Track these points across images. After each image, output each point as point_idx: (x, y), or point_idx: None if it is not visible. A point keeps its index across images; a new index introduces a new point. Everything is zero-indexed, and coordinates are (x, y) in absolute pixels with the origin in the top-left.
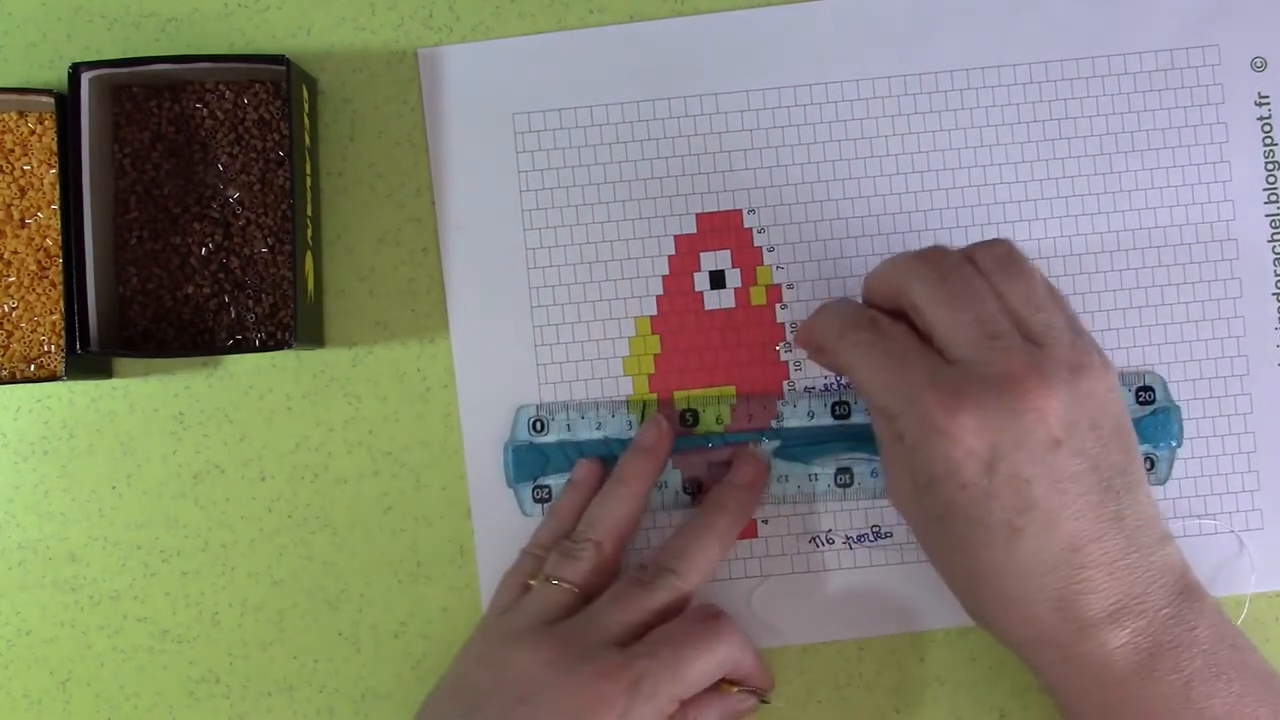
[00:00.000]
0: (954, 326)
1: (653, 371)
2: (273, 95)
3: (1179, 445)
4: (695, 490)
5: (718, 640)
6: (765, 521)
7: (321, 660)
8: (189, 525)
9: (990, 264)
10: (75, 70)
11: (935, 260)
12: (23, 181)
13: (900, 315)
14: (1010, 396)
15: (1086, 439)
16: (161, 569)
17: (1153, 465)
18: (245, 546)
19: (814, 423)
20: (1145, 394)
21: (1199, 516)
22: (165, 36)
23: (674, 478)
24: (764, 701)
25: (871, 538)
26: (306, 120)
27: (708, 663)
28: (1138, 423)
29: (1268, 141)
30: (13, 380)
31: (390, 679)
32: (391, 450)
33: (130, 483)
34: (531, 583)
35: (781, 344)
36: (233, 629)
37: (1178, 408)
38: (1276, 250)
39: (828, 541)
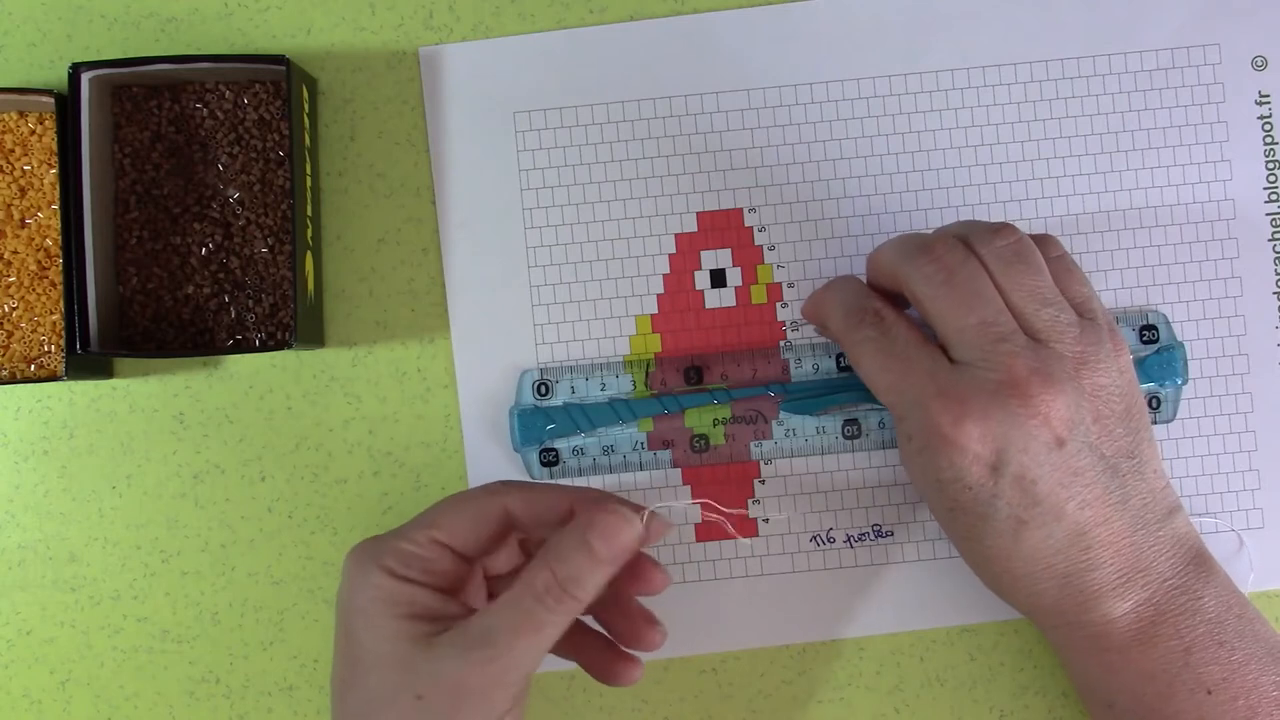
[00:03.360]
0: (959, 330)
1: (653, 369)
2: (273, 95)
3: (1184, 382)
4: (703, 448)
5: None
6: (766, 521)
7: (322, 660)
8: (189, 525)
9: (996, 259)
10: (75, 70)
11: (939, 256)
12: (23, 181)
13: (902, 297)
14: (1014, 402)
15: (1090, 432)
16: (161, 569)
17: (1158, 404)
18: (245, 546)
19: (819, 375)
20: (1149, 333)
21: (1199, 515)
22: (165, 36)
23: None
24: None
25: (872, 536)
26: (306, 120)
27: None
28: (1142, 362)
29: (1268, 140)
30: (13, 380)
31: None
32: (391, 450)
33: (130, 483)
34: None
35: (782, 341)
36: (233, 629)
37: (1181, 345)
38: (1277, 249)
39: (828, 540)
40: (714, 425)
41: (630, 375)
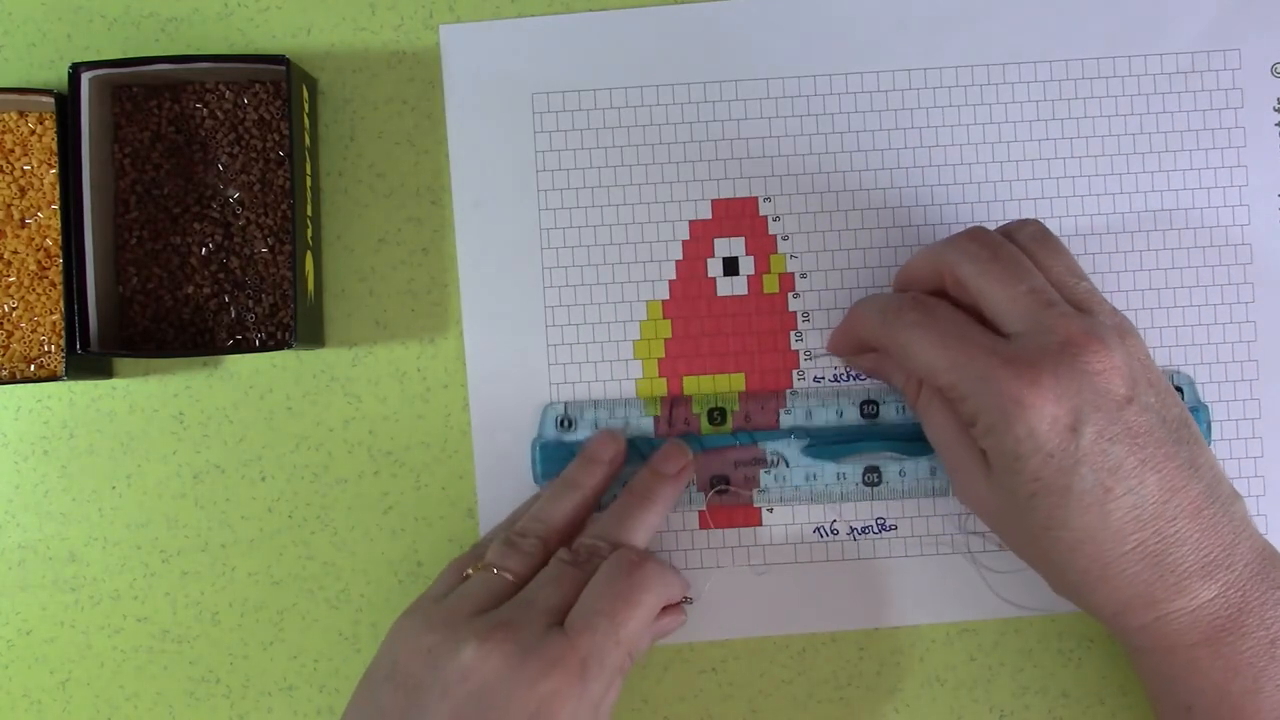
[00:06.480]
0: (1010, 299)
1: (663, 356)
2: (273, 95)
3: (1207, 445)
4: (725, 487)
5: (645, 591)
6: (770, 510)
7: (321, 660)
8: (189, 525)
9: (1027, 241)
10: (75, 70)
11: (980, 238)
12: (23, 181)
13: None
14: (1080, 359)
15: (1149, 395)
16: (161, 569)
17: None
18: (245, 546)
19: (843, 421)
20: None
21: None
22: (165, 36)
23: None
24: (688, 601)
25: (876, 529)
26: (306, 120)
27: (643, 616)
28: None
29: None
30: (13, 380)
31: None
32: (391, 450)
33: (130, 483)
34: (469, 572)
35: (793, 331)
36: (233, 629)
37: (1206, 407)
38: None
39: (832, 532)
40: (735, 467)
41: (651, 416)
